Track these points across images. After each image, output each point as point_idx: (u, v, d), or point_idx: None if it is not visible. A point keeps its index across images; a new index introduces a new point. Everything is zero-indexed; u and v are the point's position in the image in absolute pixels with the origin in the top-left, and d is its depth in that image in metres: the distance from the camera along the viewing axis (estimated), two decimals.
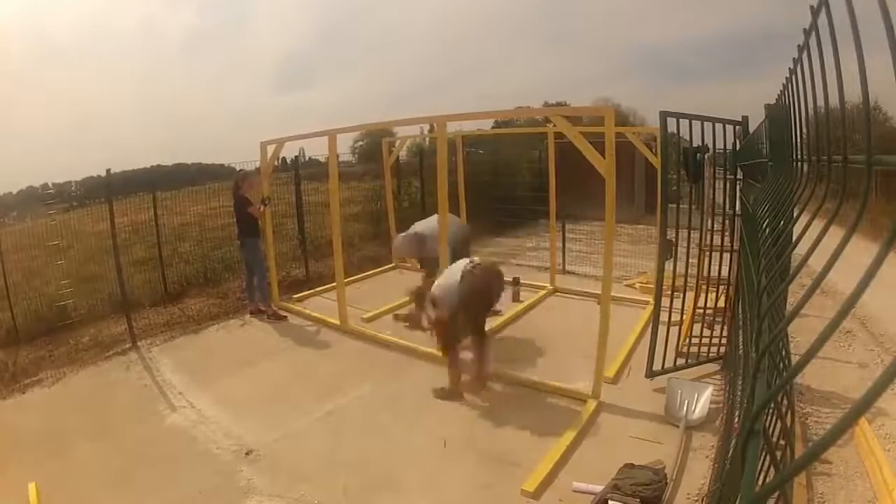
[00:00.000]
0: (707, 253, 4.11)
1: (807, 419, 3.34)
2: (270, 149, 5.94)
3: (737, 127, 3.83)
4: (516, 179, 11.38)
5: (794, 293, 3.81)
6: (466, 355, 3.89)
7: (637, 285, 6.39)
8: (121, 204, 6.60)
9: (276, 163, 6.26)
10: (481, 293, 3.75)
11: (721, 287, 4.11)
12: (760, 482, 0.76)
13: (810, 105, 1.00)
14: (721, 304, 4.16)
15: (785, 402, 0.97)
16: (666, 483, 2.65)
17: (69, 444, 3.40)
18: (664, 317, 3.82)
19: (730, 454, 1.94)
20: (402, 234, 5.29)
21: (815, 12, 0.79)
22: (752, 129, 3.86)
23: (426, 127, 9.00)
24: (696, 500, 2.64)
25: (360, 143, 24.35)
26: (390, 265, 7.82)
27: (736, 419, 2.13)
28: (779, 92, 1.95)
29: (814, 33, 0.82)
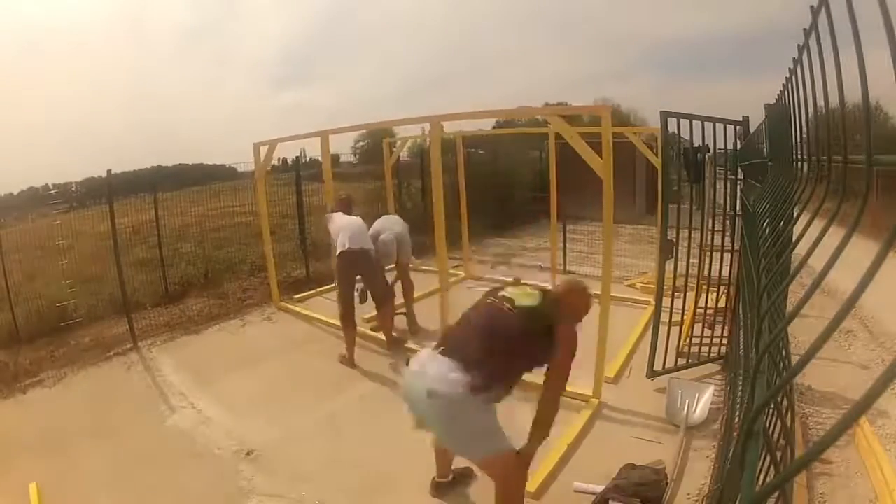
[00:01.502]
0: (708, 253, 4.11)
1: (807, 419, 3.34)
2: (264, 150, 5.94)
3: (737, 127, 3.82)
4: (517, 179, 11.39)
5: (795, 293, 3.81)
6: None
7: (638, 285, 6.39)
8: (121, 204, 6.60)
9: (276, 163, 6.26)
10: None
11: (722, 287, 4.11)
12: (760, 482, 0.76)
13: (810, 105, 1.00)
14: (722, 304, 4.16)
15: (785, 402, 0.97)
16: (667, 483, 2.65)
17: (70, 445, 3.40)
18: (665, 317, 3.82)
19: (730, 454, 1.94)
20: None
21: (815, 12, 0.79)
22: (752, 129, 3.86)
23: (427, 126, 8.99)
24: (697, 500, 2.63)
25: (361, 143, 24.37)
26: (391, 265, 7.80)
27: (736, 419, 2.13)
28: (779, 92, 1.95)
29: (814, 33, 0.82)
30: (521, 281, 6.28)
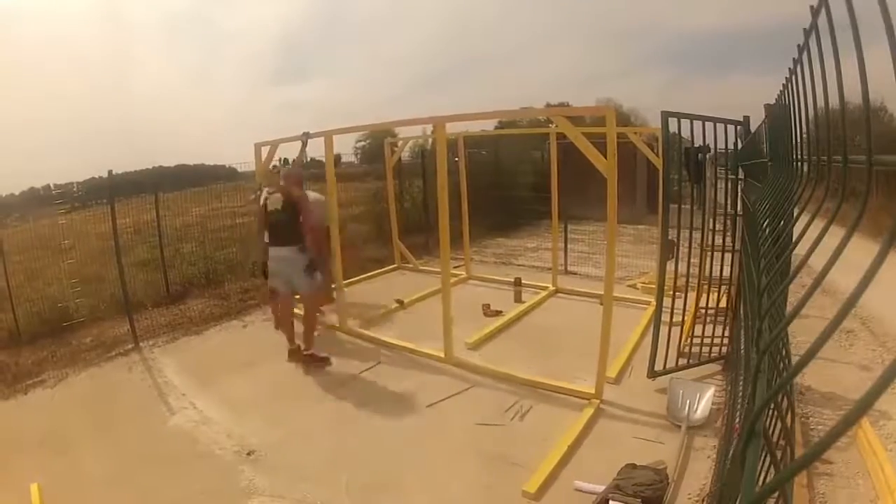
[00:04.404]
0: (709, 253, 4.11)
1: (808, 420, 3.34)
2: (265, 150, 5.95)
3: (738, 127, 3.82)
4: (518, 180, 11.39)
5: (796, 293, 3.81)
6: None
7: (639, 285, 6.39)
8: (123, 205, 6.61)
9: (276, 162, 6.25)
10: None
11: (723, 287, 4.11)
12: (761, 482, 0.76)
13: (810, 105, 1.00)
14: (723, 304, 4.15)
15: (785, 402, 0.96)
16: (667, 483, 2.65)
17: (71, 445, 3.41)
18: (666, 317, 3.82)
19: (730, 454, 1.94)
20: None
21: (815, 12, 0.79)
22: (753, 128, 3.86)
23: (428, 127, 8.99)
24: (698, 501, 2.63)
25: (362, 143, 24.43)
26: (393, 266, 7.83)
27: (737, 419, 2.13)
28: (779, 92, 1.95)
29: (814, 33, 0.82)
30: (522, 280, 6.31)
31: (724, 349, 4.00)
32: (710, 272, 4.08)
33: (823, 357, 4.03)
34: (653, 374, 3.82)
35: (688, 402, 3.38)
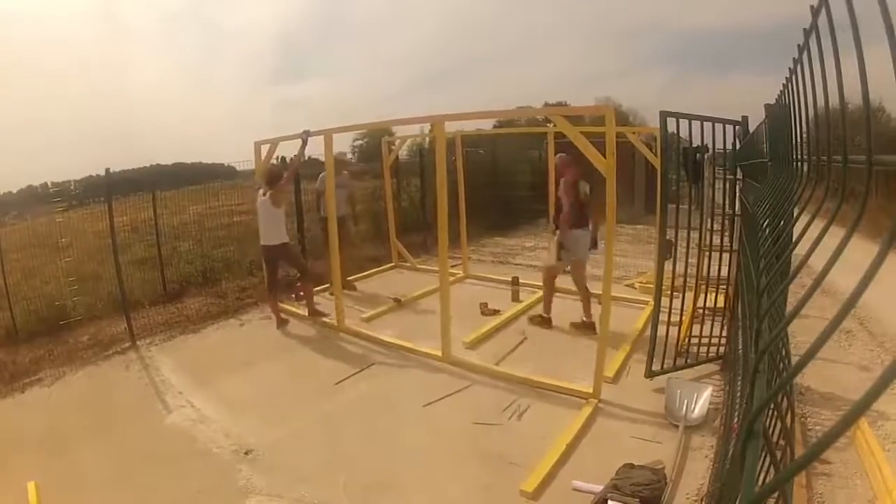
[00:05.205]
0: (707, 253, 4.11)
1: (807, 419, 3.34)
2: (265, 149, 5.94)
3: (736, 127, 3.83)
4: (516, 179, 11.40)
5: (795, 293, 3.81)
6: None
7: (637, 285, 6.39)
8: (120, 203, 6.59)
9: (274, 161, 6.25)
10: None
11: (721, 287, 4.11)
12: (760, 482, 0.76)
13: (810, 105, 1.00)
14: (721, 304, 4.16)
15: (785, 402, 0.96)
16: (665, 483, 2.65)
17: (68, 444, 3.40)
18: (664, 317, 3.82)
19: (729, 454, 1.94)
20: None
21: (815, 12, 0.79)
22: (752, 129, 3.86)
23: (426, 126, 8.99)
24: (696, 501, 2.64)
25: (360, 142, 24.44)
26: (390, 265, 7.83)
27: (735, 419, 2.13)
28: (779, 92, 1.95)
29: (814, 33, 0.82)
30: (520, 280, 6.30)
31: (722, 349, 4.01)
32: (708, 272, 4.09)
33: (822, 357, 4.04)
34: (650, 373, 3.82)
35: (685, 401, 3.38)
